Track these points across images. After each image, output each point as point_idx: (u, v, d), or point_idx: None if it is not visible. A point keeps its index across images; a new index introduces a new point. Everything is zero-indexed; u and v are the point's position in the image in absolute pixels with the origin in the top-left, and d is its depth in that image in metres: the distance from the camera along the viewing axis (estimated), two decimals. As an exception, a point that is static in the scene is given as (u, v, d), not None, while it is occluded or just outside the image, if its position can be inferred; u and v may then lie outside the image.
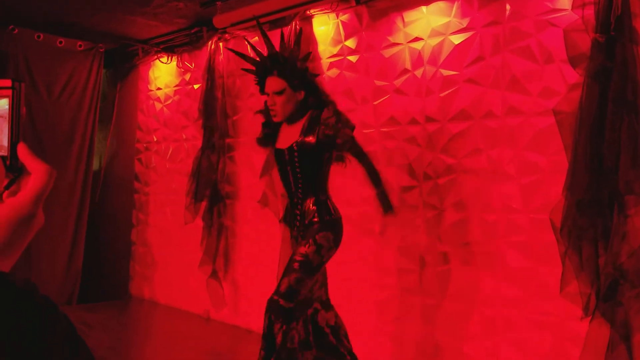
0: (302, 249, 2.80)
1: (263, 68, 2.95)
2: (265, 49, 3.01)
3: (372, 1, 3.94)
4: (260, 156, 4.46)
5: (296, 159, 2.89)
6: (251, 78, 4.80)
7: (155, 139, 5.93)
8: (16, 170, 0.66)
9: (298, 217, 2.94)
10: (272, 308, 2.73)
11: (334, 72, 4.19)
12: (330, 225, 2.86)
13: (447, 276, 3.51)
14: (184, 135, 5.57)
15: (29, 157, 0.65)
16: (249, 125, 4.85)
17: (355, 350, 3.10)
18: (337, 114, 2.86)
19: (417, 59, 3.69)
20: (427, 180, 3.60)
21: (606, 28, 2.68)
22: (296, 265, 2.76)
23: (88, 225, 5.75)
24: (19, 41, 5.26)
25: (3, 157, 0.66)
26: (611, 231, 2.61)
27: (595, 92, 2.70)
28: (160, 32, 5.35)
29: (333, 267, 4.14)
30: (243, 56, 3.16)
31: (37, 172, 0.64)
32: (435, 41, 3.61)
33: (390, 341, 3.79)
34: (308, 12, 4.30)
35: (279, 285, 2.80)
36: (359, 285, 3.99)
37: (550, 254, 3.01)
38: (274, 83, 2.90)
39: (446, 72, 3.54)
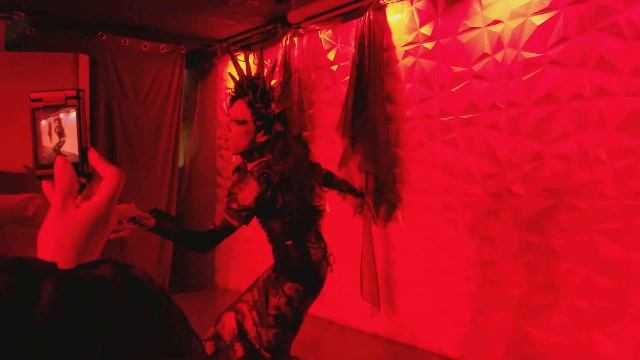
0: (274, 301, 2.57)
1: (238, 89, 2.55)
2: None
3: (447, -14, 3.85)
4: (336, 148, 4.49)
5: None
6: (326, 71, 4.87)
7: (235, 135, 6.09)
8: (86, 176, 0.70)
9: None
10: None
11: (409, 60, 4.13)
12: (297, 276, 2.59)
13: (535, 267, 3.39)
14: (262, 131, 5.69)
15: (100, 162, 0.67)
16: (325, 118, 4.88)
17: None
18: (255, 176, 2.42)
19: (497, 43, 3.57)
20: (512, 168, 3.49)
21: None
22: (271, 319, 2.56)
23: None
24: (107, 47, 5.56)
25: (75, 164, 0.68)
26: None
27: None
28: (237, 31, 5.49)
29: (415, 257, 4.11)
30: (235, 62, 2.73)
31: (108, 175, 0.66)
32: (515, 23, 3.47)
33: (476, 333, 3.71)
34: (381, 2, 4.26)
35: (259, 336, 2.61)
36: (442, 276, 3.93)
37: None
38: (238, 109, 2.50)
39: (528, 55, 3.40)
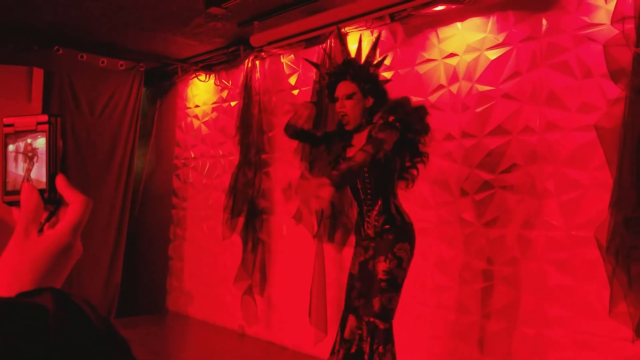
0: (384, 266, 2.75)
1: (337, 73, 2.91)
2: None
3: (406, 18, 3.96)
4: (294, 172, 4.50)
5: None
6: (286, 95, 4.90)
7: (192, 155, 6.05)
8: (55, 202, 0.68)
9: (367, 225, 2.89)
10: (370, 329, 2.70)
11: (368, 88, 4.20)
12: (404, 234, 2.81)
13: (487, 294, 3.45)
14: (220, 152, 5.66)
15: (67, 189, 0.66)
16: (285, 141, 4.90)
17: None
18: (384, 123, 2.73)
19: (453, 75, 3.68)
20: (464, 196, 3.57)
21: (648, 42, 2.63)
22: (384, 284, 2.72)
23: (127, 240, 5.87)
24: (63, 61, 5.45)
25: (41, 190, 0.67)
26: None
27: (639, 107, 2.65)
28: (199, 51, 5.48)
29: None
30: (315, 65, 3.31)
31: (74, 203, 0.65)
32: (470, 57, 3.60)
33: (428, 358, 3.74)
34: (343, 30, 4.34)
35: (366, 305, 2.77)
36: (394, 302, 3.95)
37: (594, 272, 2.94)
38: (344, 87, 2.86)
39: (482, 88, 3.52)
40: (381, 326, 2.69)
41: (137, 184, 6.31)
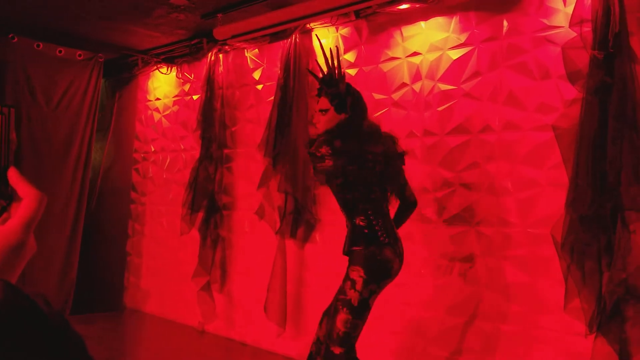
0: (342, 286, 2.71)
1: (319, 88, 2.90)
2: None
3: (371, 15, 3.97)
4: (258, 167, 4.47)
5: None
6: (251, 90, 4.86)
7: (153, 149, 5.93)
8: (6, 197, 0.64)
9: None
10: (324, 356, 2.65)
11: (332, 85, 4.20)
12: (362, 258, 2.67)
13: (444, 289, 3.50)
14: (182, 146, 5.58)
15: (19, 183, 0.63)
16: (247, 136, 4.86)
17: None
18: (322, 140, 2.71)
19: (416, 74, 3.72)
20: (425, 193, 3.61)
21: (604, 45, 2.71)
22: (339, 304, 2.66)
23: (83, 235, 5.72)
24: (18, 50, 5.27)
25: None
26: (614, 247, 2.62)
27: (595, 108, 2.73)
28: (161, 43, 5.37)
29: (330, 279, 4.13)
30: (317, 78, 3.02)
31: (27, 198, 0.62)
32: (433, 56, 3.64)
33: (387, 354, 3.77)
34: (308, 26, 4.33)
35: (322, 324, 2.76)
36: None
37: (549, 269, 3.02)
38: (322, 102, 2.86)
39: (444, 87, 3.57)
40: (334, 351, 2.65)
41: (94, 178, 6.15)
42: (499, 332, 3.25)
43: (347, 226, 2.83)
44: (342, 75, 2.83)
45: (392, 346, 3.75)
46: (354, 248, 2.72)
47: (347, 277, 2.69)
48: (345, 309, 2.62)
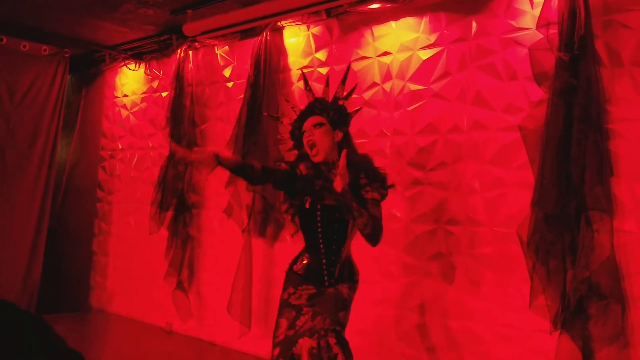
0: None
1: (305, 111, 2.79)
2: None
3: (342, 14, 3.97)
4: (227, 166, 4.42)
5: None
6: (221, 87, 4.81)
7: (120, 147, 5.83)
8: None
9: None
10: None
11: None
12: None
13: (411, 288, 3.52)
14: (150, 144, 5.49)
15: None
16: (217, 134, 4.81)
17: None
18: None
19: (386, 73, 3.73)
20: (394, 192, 3.62)
21: (570, 47, 2.76)
22: None
23: (48, 234, 5.58)
24: (-19, 44, 5.12)
25: None
26: (578, 245, 2.66)
27: (561, 109, 2.77)
28: (129, 39, 5.28)
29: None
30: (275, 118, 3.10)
31: None
32: (403, 56, 3.66)
33: (355, 352, 3.77)
34: (279, 24, 4.31)
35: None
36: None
37: (515, 267, 3.06)
38: (312, 119, 2.73)
39: (414, 87, 3.59)
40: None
41: (59, 175, 6.00)
42: (465, 329, 3.29)
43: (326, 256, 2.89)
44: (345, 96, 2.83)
45: (360, 343, 3.75)
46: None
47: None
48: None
